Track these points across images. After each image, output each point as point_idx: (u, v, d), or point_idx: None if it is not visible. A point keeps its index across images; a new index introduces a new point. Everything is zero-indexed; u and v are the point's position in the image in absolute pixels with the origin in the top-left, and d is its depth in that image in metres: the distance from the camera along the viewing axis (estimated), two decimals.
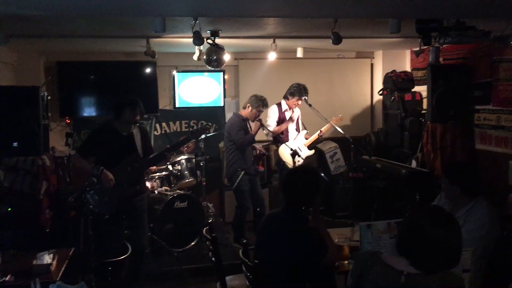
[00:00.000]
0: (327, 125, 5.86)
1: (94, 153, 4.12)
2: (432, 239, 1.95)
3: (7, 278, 2.97)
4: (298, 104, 5.78)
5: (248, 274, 2.93)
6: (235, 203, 5.74)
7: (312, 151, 6.03)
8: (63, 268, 3.18)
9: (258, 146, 6.06)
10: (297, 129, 5.95)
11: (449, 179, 3.17)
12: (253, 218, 5.80)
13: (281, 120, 5.80)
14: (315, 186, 2.93)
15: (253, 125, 5.58)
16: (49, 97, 5.15)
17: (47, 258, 3.15)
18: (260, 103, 5.40)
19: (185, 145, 5.42)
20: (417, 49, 6.18)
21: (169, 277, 4.88)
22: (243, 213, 5.62)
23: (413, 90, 6.35)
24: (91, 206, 3.97)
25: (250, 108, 5.43)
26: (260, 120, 5.43)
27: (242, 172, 5.43)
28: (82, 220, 3.92)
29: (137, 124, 4.24)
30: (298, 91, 5.71)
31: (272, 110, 5.78)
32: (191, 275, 4.90)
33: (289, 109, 5.83)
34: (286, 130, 5.85)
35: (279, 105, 5.83)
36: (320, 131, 5.88)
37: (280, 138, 5.73)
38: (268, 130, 5.59)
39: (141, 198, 4.32)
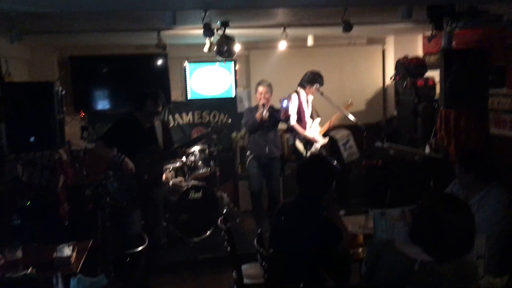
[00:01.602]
0: (338, 113, 5.85)
1: (116, 143, 4.21)
2: (445, 226, 1.96)
3: (28, 271, 3.04)
4: (315, 92, 5.78)
5: (263, 263, 2.97)
6: (249, 192, 5.84)
7: (327, 139, 6.03)
8: (82, 260, 3.24)
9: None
10: (312, 117, 5.96)
11: (463, 166, 3.16)
12: (268, 206, 5.87)
13: (300, 108, 5.80)
14: (327, 175, 2.94)
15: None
16: (63, 92, 5.22)
17: (67, 251, 3.21)
18: (257, 84, 5.59)
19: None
20: (429, 34, 6.09)
21: (185, 267, 4.96)
22: (252, 198, 5.75)
23: (425, 75, 6.28)
24: (108, 196, 4.04)
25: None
26: (267, 107, 5.46)
27: (251, 156, 5.58)
28: (100, 213, 4.01)
29: (159, 117, 4.33)
30: (314, 78, 5.73)
31: (291, 99, 5.76)
32: (207, 265, 4.96)
33: (306, 97, 5.85)
34: (304, 118, 5.86)
35: (297, 93, 5.82)
36: (331, 120, 5.89)
37: (299, 131, 5.75)
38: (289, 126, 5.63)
39: (158, 191, 4.40)
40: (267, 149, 5.59)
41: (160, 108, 4.23)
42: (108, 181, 4.13)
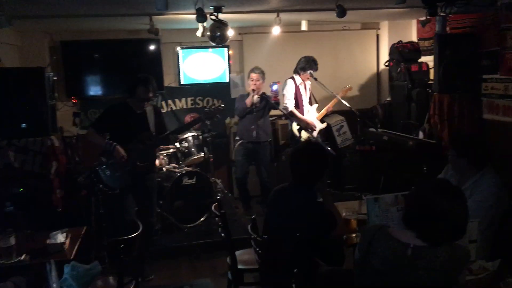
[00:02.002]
0: (334, 99, 5.85)
1: (108, 130, 4.20)
2: (438, 211, 1.97)
3: (22, 258, 3.03)
4: (309, 77, 5.80)
5: (257, 248, 2.98)
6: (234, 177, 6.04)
7: (325, 124, 6.06)
8: (76, 247, 3.23)
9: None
10: (310, 103, 5.99)
11: (456, 151, 3.17)
12: (260, 192, 5.91)
13: (297, 94, 5.83)
14: (321, 161, 2.94)
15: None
16: (54, 78, 5.17)
17: (60, 237, 3.20)
18: (250, 71, 5.62)
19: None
20: (423, 19, 6.08)
21: (180, 253, 4.97)
22: (237, 184, 5.91)
23: (419, 60, 6.27)
24: (101, 184, 4.03)
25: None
26: (257, 93, 5.48)
27: (238, 142, 5.71)
28: (93, 199, 3.99)
29: (151, 102, 4.29)
30: (308, 64, 5.74)
31: (288, 84, 5.83)
32: (202, 250, 4.98)
33: (302, 83, 5.87)
34: (301, 104, 5.89)
35: (293, 79, 5.85)
36: (329, 107, 5.90)
37: (297, 115, 5.77)
38: (282, 110, 5.60)
39: (151, 177, 4.40)
40: (254, 133, 5.61)
41: (151, 94, 4.20)
42: (101, 168, 4.12)
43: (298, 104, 5.85)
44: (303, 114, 5.85)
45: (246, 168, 5.86)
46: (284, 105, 5.75)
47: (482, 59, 5.26)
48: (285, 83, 5.83)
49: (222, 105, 5.08)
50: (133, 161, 4.14)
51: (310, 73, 5.73)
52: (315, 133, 5.72)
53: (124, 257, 2.95)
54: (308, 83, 5.94)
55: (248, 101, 5.51)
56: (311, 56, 5.79)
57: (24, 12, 4.44)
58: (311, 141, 5.31)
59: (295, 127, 5.73)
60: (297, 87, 5.83)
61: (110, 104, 4.38)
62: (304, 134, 5.72)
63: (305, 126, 5.61)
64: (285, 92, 5.82)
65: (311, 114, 5.93)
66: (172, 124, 6.12)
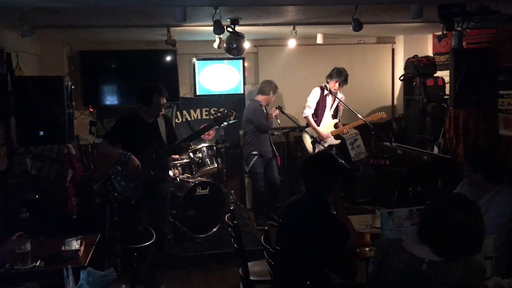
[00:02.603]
0: (358, 121, 5.83)
1: (121, 140, 4.21)
2: (453, 226, 1.95)
3: (37, 264, 3.06)
4: (336, 88, 5.86)
5: (270, 260, 2.97)
6: (253, 190, 5.96)
7: (338, 141, 6.06)
8: (90, 254, 3.26)
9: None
10: (334, 116, 6.02)
11: (472, 166, 3.14)
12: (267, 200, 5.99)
13: (320, 103, 5.92)
14: (333, 172, 2.93)
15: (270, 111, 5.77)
16: (72, 87, 5.25)
17: (75, 244, 3.23)
18: (274, 85, 5.71)
19: (206, 132, 5.80)
20: (440, 33, 6.07)
21: (192, 263, 4.97)
22: (258, 196, 5.83)
23: (435, 75, 6.26)
24: (116, 193, 4.06)
25: (272, 92, 5.72)
26: (280, 108, 5.55)
27: (256, 156, 5.67)
28: (108, 207, 4.03)
29: (165, 112, 4.35)
30: (336, 73, 5.84)
31: (312, 92, 5.95)
32: (214, 261, 4.98)
33: (331, 94, 5.91)
34: (322, 115, 5.95)
35: (321, 88, 5.94)
36: (346, 129, 5.95)
37: (312, 124, 5.86)
38: (290, 117, 5.66)
39: (164, 187, 4.41)
40: (270, 150, 5.80)
41: (165, 101, 4.23)
42: (115, 180, 4.13)
43: (317, 114, 5.90)
44: (319, 124, 5.88)
45: (264, 180, 5.87)
46: (303, 111, 5.79)
47: (498, 74, 5.24)
48: (313, 90, 5.95)
49: (232, 111, 5.14)
50: (146, 170, 4.16)
51: (338, 81, 5.80)
52: (325, 145, 5.71)
53: (137, 265, 2.96)
54: (339, 96, 5.98)
55: (272, 123, 5.69)
56: (344, 70, 5.86)
57: (46, 22, 4.54)
58: (324, 152, 5.32)
59: (307, 140, 5.75)
60: (323, 97, 5.90)
61: (121, 115, 4.39)
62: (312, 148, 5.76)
63: (317, 136, 5.64)
64: (308, 98, 5.94)
65: (326, 127, 5.95)
66: (186, 135, 6.16)
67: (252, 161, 5.72)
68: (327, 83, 5.90)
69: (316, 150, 5.64)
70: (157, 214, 4.36)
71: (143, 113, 4.25)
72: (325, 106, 5.93)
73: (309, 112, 5.87)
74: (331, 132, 5.96)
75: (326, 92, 5.89)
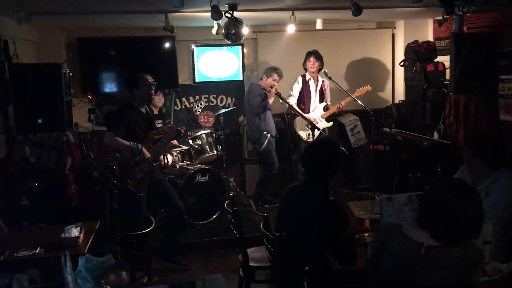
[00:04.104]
0: (347, 98, 5.86)
1: (125, 132, 4.11)
2: (452, 211, 1.95)
3: (37, 251, 3.08)
4: (312, 69, 5.89)
5: (269, 246, 2.98)
6: (256, 176, 6.03)
7: (331, 123, 6.05)
8: (90, 241, 3.27)
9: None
10: (321, 100, 6.02)
11: (472, 152, 3.14)
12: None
13: (304, 90, 5.98)
14: (335, 159, 2.93)
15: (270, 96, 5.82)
16: (71, 74, 5.22)
17: (74, 231, 3.24)
18: (274, 71, 5.74)
19: (206, 119, 6.21)
20: (440, 18, 6.02)
21: (192, 249, 5.00)
22: (272, 171, 5.88)
23: (435, 60, 6.21)
24: (115, 180, 4.04)
25: (265, 77, 5.78)
26: (279, 94, 5.53)
27: (269, 135, 5.78)
28: (107, 194, 4.02)
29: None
30: (308, 55, 5.91)
31: (297, 80, 6.01)
32: (214, 247, 5.00)
33: (312, 78, 5.96)
34: (308, 101, 5.96)
35: (303, 76, 6.02)
36: (340, 104, 5.87)
37: (297, 111, 5.82)
38: (287, 102, 5.68)
39: (158, 173, 4.42)
40: (274, 128, 5.93)
41: (151, 79, 4.17)
42: (133, 172, 4.11)
43: (303, 101, 5.93)
44: (309, 111, 5.92)
45: None
46: (288, 101, 5.82)
47: (499, 59, 5.20)
48: (295, 80, 6.02)
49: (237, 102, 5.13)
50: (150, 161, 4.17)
51: (325, 71, 5.81)
52: (316, 131, 5.68)
53: (136, 252, 2.97)
54: (321, 80, 5.99)
55: (271, 101, 5.78)
56: (314, 50, 5.92)
57: (42, 8, 4.50)
58: (326, 138, 5.35)
59: (298, 125, 5.92)
60: (305, 83, 5.95)
61: (120, 106, 4.31)
62: (303, 134, 5.89)
63: (307, 122, 5.63)
64: (292, 88, 6.01)
65: (317, 112, 5.96)
66: (186, 122, 6.15)
67: (266, 141, 5.79)
68: (305, 69, 6.00)
69: (311, 136, 5.64)
70: (167, 197, 4.40)
71: (137, 101, 4.19)
72: (310, 92, 5.97)
73: (293, 100, 5.93)
74: (322, 116, 5.97)
75: (308, 77, 5.95)
